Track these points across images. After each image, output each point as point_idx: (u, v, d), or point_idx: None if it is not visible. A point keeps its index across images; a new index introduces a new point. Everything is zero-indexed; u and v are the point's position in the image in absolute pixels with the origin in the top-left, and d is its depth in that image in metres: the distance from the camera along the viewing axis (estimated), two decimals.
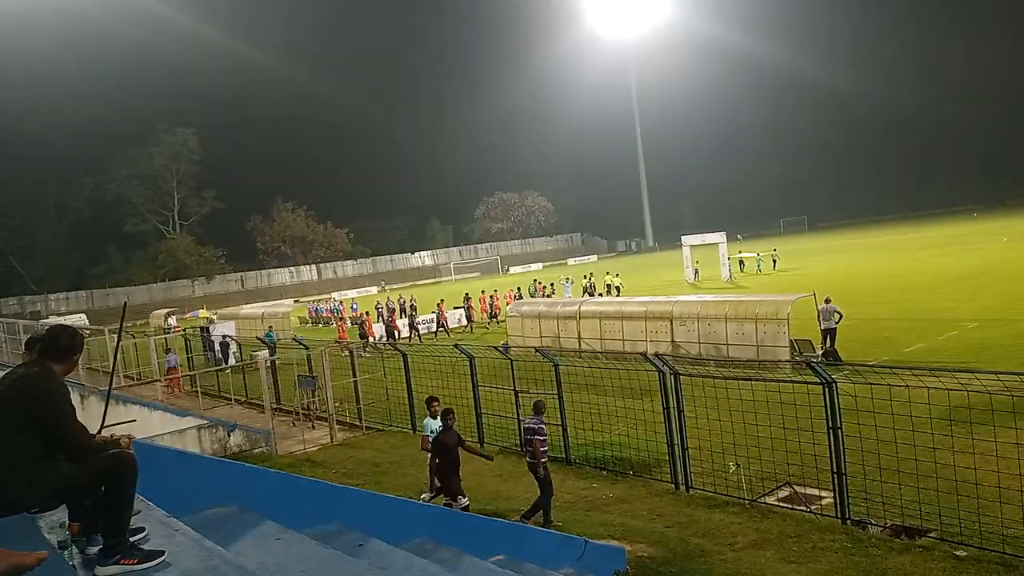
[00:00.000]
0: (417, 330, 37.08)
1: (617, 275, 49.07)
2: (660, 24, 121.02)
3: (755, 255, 57.17)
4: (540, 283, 48.69)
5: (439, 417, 11.30)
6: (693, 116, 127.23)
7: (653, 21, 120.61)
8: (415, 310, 40.47)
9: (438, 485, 10.99)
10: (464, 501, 10.42)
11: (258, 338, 27.88)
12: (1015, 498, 8.66)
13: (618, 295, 44.39)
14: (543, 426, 10.99)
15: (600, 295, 44.16)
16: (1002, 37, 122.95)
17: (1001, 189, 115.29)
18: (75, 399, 4.34)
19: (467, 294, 42.45)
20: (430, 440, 11.32)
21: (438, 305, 39.15)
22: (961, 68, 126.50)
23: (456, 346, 16.77)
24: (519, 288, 47.01)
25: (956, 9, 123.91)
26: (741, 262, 56.62)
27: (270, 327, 34.36)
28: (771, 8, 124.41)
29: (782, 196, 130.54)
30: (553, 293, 44.69)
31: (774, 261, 56.23)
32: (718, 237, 53.16)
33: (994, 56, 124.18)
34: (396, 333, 36.21)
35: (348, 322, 42.77)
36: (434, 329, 37.81)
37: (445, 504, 10.45)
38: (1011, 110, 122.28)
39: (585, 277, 49.39)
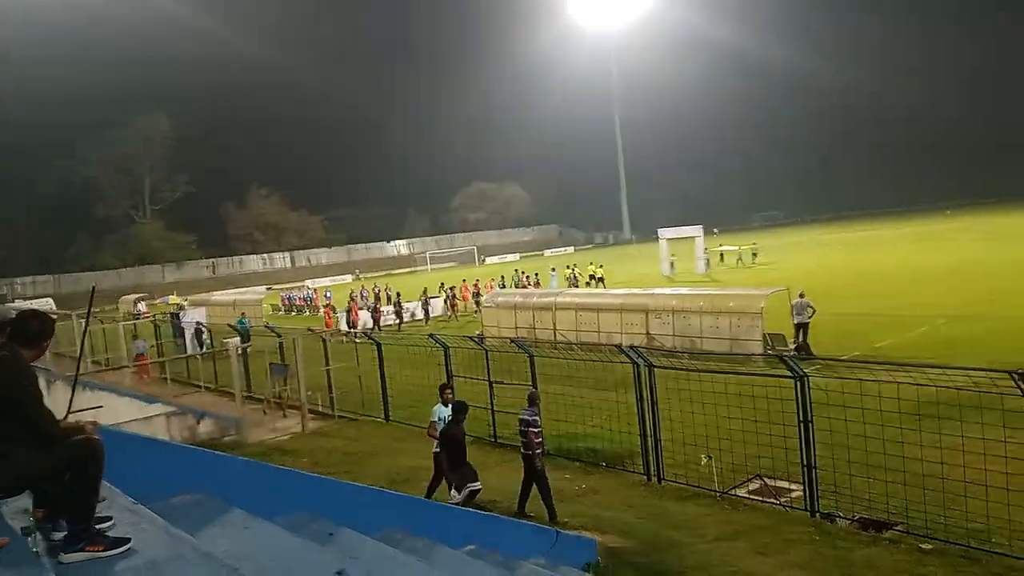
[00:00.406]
0: (401, 318, 37.34)
1: (601, 266, 49.50)
2: (640, 16, 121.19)
3: (736, 248, 58.00)
4: (524, 273, 48.46)
5: (451, 407, 11.10)
6: (671, 109, 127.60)
7: (633, 13, 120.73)
8: (400, 297, 40.33)
9: (455, 477, 10.77)
10: (476, 486, 10.47)
11: (230, 325, 27.64)
12: (979, 492, 8.81)
13: (602, 286, 44.83)
14: (537, 417, 10.94)
15: (581, 286, 44.40)
16: (985, 35, 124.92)
17: (975, 188, 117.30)
18: (41, 384, 4.27)
19: (443, 284, 42.34)
20: (437, 428, 11.17)
21: (424, 292, 39.46)
22: (941, 66, 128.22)
23: (431, 336, 16.70)
24: (502, 277, 46.92)
25: (940, 5, 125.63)
26: (722, 255, 57.47)
27: (242, 314, 34.06)
28: (751, 0, 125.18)
29: (758, 190, 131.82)
30: (539, 283, 44.58)
31: (754, 255, 56.91)
32: (695, 231, 53.46)
33: (974, 54, 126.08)
34: (379, 320, 36.38)
35: (334, 309, 42.42)
36: (419, 316, 38.12)
37: (455, 498, 10.39)
38: (988, 107, 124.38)
39: (568, 267, 49.40)
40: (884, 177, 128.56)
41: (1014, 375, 8.23)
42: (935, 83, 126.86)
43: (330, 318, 37.69)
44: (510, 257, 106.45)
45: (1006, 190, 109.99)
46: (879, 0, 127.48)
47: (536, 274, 46.76)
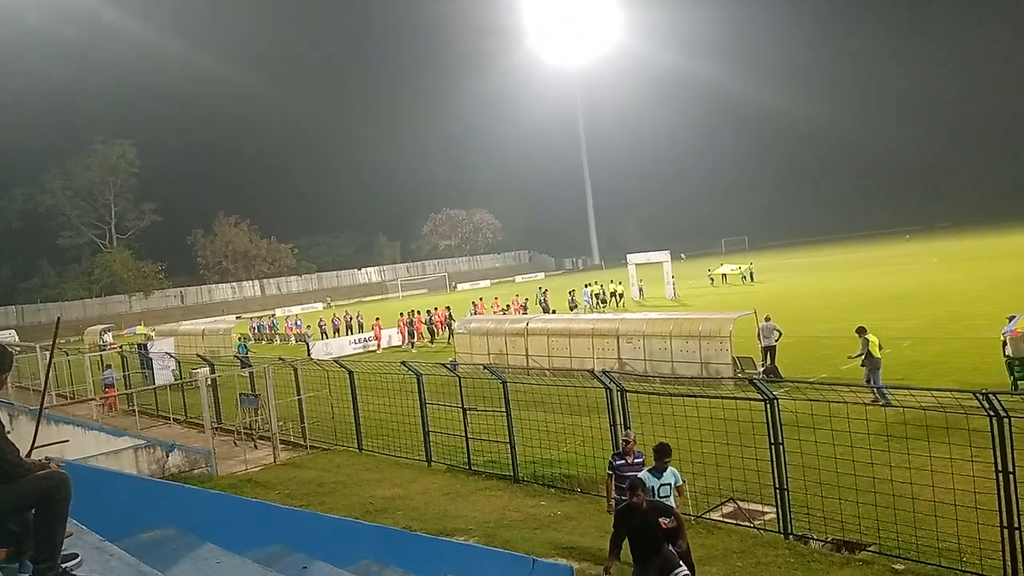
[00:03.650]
0: (414, 338, 38.10)
1: (620, 283, 50.86)
2: (607, 46, 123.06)
3: (737, 268, 60.38)
4: (545, 291, 49.03)
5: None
6: (638, 136, 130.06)
7: (600, 43, 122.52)
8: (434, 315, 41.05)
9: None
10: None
11: (199, 355, 27.26)
12: (949, 512, 8.93)
13: (621, 302, 47.95)
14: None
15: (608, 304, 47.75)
16: (939, 62, 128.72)
17: (932, 212, 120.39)
18: (4, 418, 4.17)
19: (415, 310, 42.13)
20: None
21: (406, 316, 39.76)
22: (897, 95, 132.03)
23: (404, 363, 16.61)
24: (525, 299, 47.21)
25: (896, 36, 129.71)
26: (724, 275, 59.52)
27: (240, 338, 33.81)
28: (714, 32, 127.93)
29: (724, 216, 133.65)
30: (576, 303, 46.38)
31: (751, 274, 58.98)
32: (663, 256, 53.94)
33: (930, 82, 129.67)
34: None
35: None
36: (396, 342, 38.43)
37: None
38: (944, 135, 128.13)
39: (589, 285, 49.87)
40: (844, 204, 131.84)
41: (978, 395, 8.39)
42: (890, 113, 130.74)
43: (379, 333, 39.08)
44: (482, 283, 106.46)
45: (961, 215, 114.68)
46: (837, 32, 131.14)
47: (572, 293, 47.98)
